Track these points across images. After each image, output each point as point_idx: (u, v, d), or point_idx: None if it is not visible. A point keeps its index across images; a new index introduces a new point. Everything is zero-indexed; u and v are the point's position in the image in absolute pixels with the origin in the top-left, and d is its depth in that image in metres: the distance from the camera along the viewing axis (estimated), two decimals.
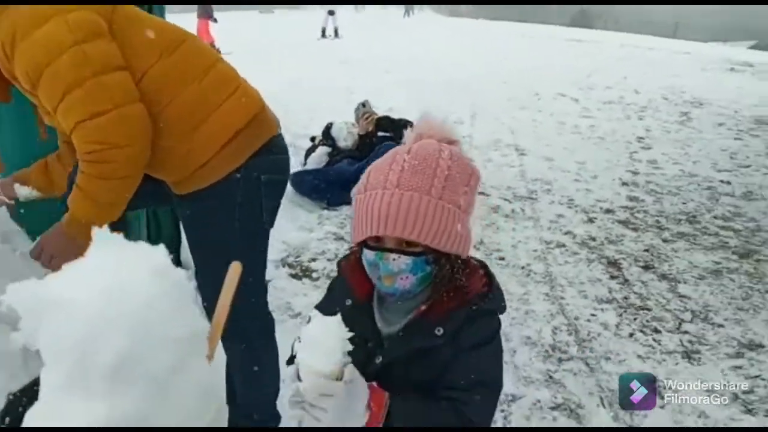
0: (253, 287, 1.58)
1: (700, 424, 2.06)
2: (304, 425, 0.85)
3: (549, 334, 2.55)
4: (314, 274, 2.99)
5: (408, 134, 1.00)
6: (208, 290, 1.49)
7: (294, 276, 2.97)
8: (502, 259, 3.25)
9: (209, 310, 1.56)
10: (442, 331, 0.93)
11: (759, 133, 6.34)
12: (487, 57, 11.49)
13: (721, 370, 2.35)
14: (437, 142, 0.96)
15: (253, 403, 1.68)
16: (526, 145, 5.48)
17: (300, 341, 0.85)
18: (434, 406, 0.94)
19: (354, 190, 0.96)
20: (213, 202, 1.47)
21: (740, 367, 2.37)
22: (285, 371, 0.90)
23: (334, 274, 3.08)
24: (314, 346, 0.83)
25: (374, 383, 0.90)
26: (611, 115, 6.86)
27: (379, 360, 0.96)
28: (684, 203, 4.16)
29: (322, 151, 3.90)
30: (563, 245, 3.42)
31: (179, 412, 0.70)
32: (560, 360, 2.38)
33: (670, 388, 2.22)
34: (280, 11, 25.91)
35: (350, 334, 0.84)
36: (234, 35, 12.44)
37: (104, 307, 0.64)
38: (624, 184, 4.53)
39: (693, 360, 2.41)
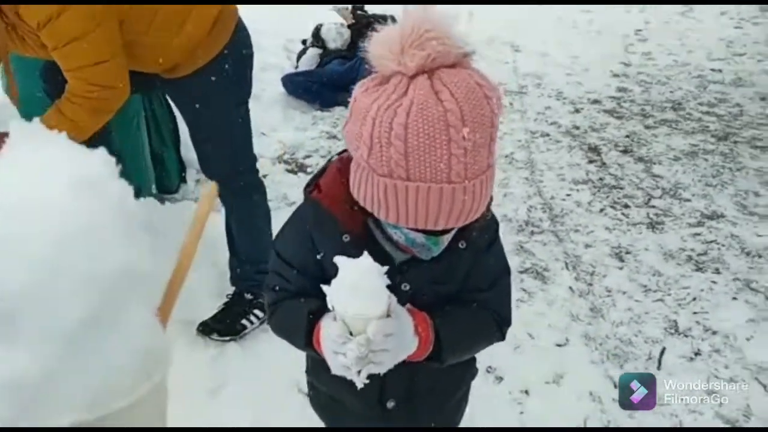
0: (248, 147, 1.88)
1: (653, 280, 2.30)
2: (367, 372, 0.83)
3: (524, 211, 2.76)
4: (308, 169, 3.18)
5: (395, 32, 0.78)
6: (211, 162, 1.86)
7: (290, 171, 3.17)
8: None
9: (216, 179, 1.87)
10: (465, 244, 0.92)
11: (761, 21, 6.22)
12: None
13: (680, 237, 2.56)
14: (472, 77, 0.78)
15: (252, 252, 1.95)
16: (521, 41, 5.46)
17: (339, 294, 0.81)
18: (471, 312, 0.96)
19: (383, 168, 0.78)
20: (208, 78, 1.71)
21: (699, 234, 2.58)
22: (330, 329, 0.84)
23: None
24: (360, 293, 0.80)
25: (411, 307, 0.89)
26: (611, 9, 6.72)
27: (407, 287, 0.91)
28: (672, 92, 4.23)
29: (313, 53, 3.99)
30: (547, 134, 3.57)
31: (96, 379, 0.53)
32: (532, 233, 2.60)
33: (629, 252, 2.45)
34: None
35: (386, 268, 0.80)
36: None
37: (5, 230, 0.49)
38: (615, 75, 4.58)
39: (656, 230, 2.62)
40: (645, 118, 3.78)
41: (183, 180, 2.70)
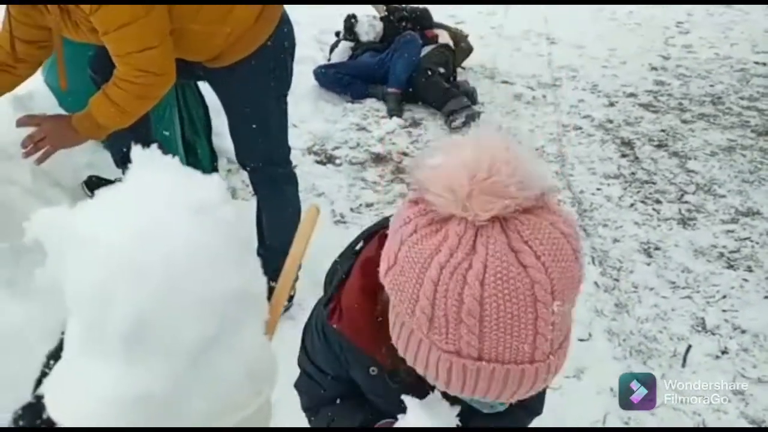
0: (284, 139, 1.93)
1: (681, 277, 2.25)
2: None
3: None
4: (337, 160, 3.22)
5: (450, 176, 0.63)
6: (247, 152, 1.91)
7: (319, 162, 3.21)
8: (518, 142, 3.37)
9: (249, 168, 1.94)
10: None
11: None
12: None
13: (713, 234, 2.50)
14: (555, 226, 0.64)
15: (280, 243, 1.99)
16: (558, 34, 5.37)
17: None
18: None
19: (449, 345, 0.64)
20: (251, 69, 1.75)
21: (732, 231, 2.52)
22: None
23: (356, 160, 3.30)
24: None
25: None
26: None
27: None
28: (712, 86, 4.11)
29: (345, 45, 4.01)
30: (580, 128, 3.51)
31: (213, 395, 0.55)
32: None
33: (658, 249, 2.41)
34: None
35: (457, 409, 0.75)
36: None
37: (131, 252, 0.51)
38: (653, 68, 4.47)
39: (688, 226, 2.56)
40: (682, 113, 3.69)
41: (215, 169, 2.76)
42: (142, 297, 0.51)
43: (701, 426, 1.69)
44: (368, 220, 2.67)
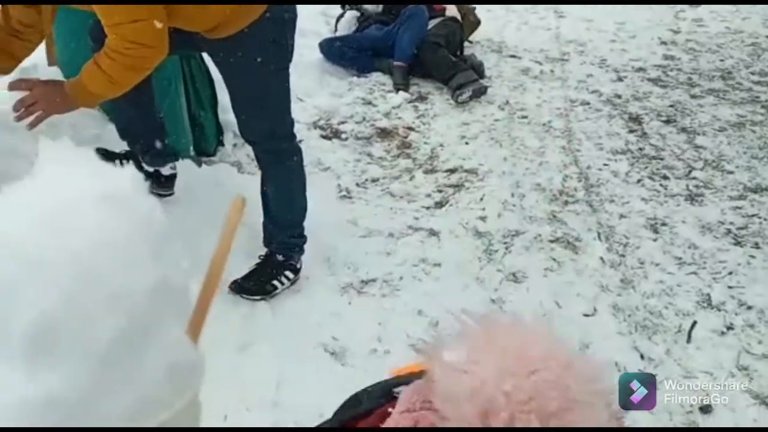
0: (286, 113, 1.90)
1: (688, 253, 2.25)
2: None
3: (559, 181, 2.72)
4: (343, 135, 3.20)
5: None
6: (248, 125, 1.91)
7: (324, 137, 3.19)
8: (525, 117, 3.35)
9: (252, 142, 1.94)
10: None
11: None
12: None
13: (720, 210, 2.49)
14: None
15: (286, 216, 2.00)
16: (566, 8, 5.27)
17: None
18: None
19: None
20: (249, 40, 1.72)
21: (740, 208, 2.51)
22: None
23: (362, 134, 3.27)
24: None
25: None
26: None
27: None
28: (722, 60, 4.05)
29: (351, 15, 3.95)
30: (587, 103, 3.48)
31: (131, 395, 0.53)
32: (566, 203, 2.57)
33: (665, 224, 2.40)
34: None
35: None
36: None
37: (35, 248, 0.49)
38: (662, 43, 4.40)
39: (695, 202, 2.55)
40: (691, 88, 3.64)
41: (221, 143, 2.75)
42: (47, 295, 0.49)
43: (706, 404, 1.70)
44: (374, 194, 2.67)
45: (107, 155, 2.07)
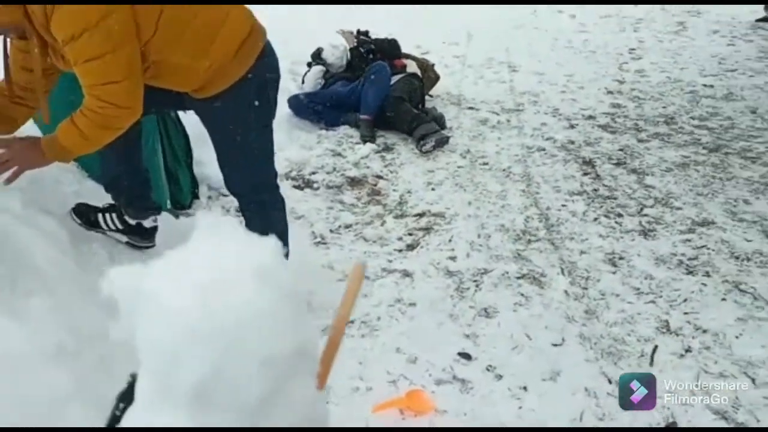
0: (270, 166, 2.01)
1: (645, 283, 2.40)
2: None
3: (522, 221, 2.87)
4: (314, 185, 3.31)
5: None
6: (233, 180, 2.00)
7: (296, 187, 3.29)
8: (486, 164, 3.53)
9: (236, 195, 2.04)
10: None
11: (753, 38, 6.39)
12: None
13: (672, 243, 2.67)
14: None
15: None
16: (518, 62, 5.63)
17: None
18: None
19: None
20: (233, 100, 1.83)
21: (690, 240, 2.69)
22: None
23: (333, 184, 3.36)
24: None
25: None
26: (606, 29, 6.90)
27: None
28: (664, 107, 4.37)
29: (316, 69, 4.15)
30: (543, 149, 3.70)
31: None
32: (529, 241, 2.71)
33: (622, 258, 2.56)
34: None
35: None
36: None
37: (198, 314, 0.56)
38: (609, 92, 4.72)
39: (648, 236, 2.73)
40: (638, 132, 3.91)
41: (196, 196, 2.83)
42: (208, 357, 0.55)
43: (670, 421, 1.81)
44: (347, 239, 2.76)
45: (90, 209, 2.12)
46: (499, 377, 1.96)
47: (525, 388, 1.92)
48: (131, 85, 1.64)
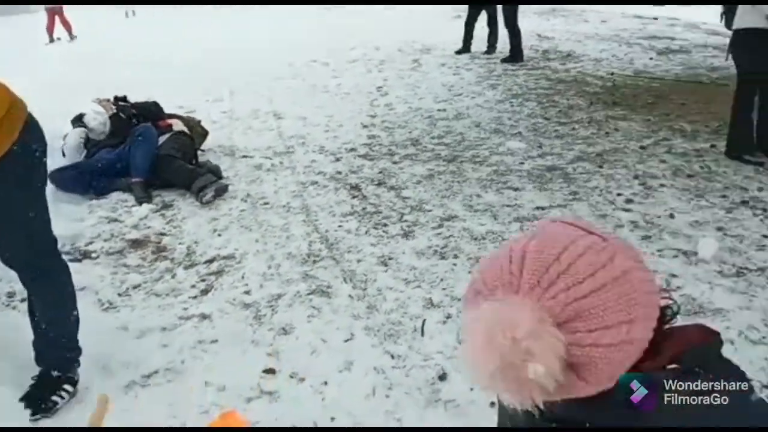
0: (48, 231, 2.02)
1: (411, 274, 2.85)
2: None
3: (306, 246, 3.18)
4: (93, 254, 3.24)
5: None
6: (9, 251, 1.96)
7: (73, 260, 3.19)
8: (267, 203, 3.79)
9: (18, 269, 2.00)
10: None
11: (472, 67, 7.71)
12: (232, 36, 11.77)
13: (427, 238, 3.19)
14: None
15: (58, 331, 2.04)
16: (282, 109, 6.06)
17: None
18: None
19: None
20: (1, 172, 1.81)
21: (440, 233, 3.24)
22: None
23: (113, 249, 3.33)
24: None
25: None
26: (356, 72, 7.74)
27: None
28: (410, 132, 5.10)
29: (77, 132, 4.02)
30: (316, 182, 4.09)
31: None
32: (315, 262, 3.02)
33: (391, 258, 2.99)
34: None
35: None
36: None
37: None
38: (365, 126, 5.35)
39: (409, 237, 3.22)
40: (392, 156, 4.53)
41: None
42: None
43: (442, 373, 2.20)
44: (138, 299, 2.78)
45: None
46: (302, 380, 2.20)
47: (326, 383, 2.18)
48: None
